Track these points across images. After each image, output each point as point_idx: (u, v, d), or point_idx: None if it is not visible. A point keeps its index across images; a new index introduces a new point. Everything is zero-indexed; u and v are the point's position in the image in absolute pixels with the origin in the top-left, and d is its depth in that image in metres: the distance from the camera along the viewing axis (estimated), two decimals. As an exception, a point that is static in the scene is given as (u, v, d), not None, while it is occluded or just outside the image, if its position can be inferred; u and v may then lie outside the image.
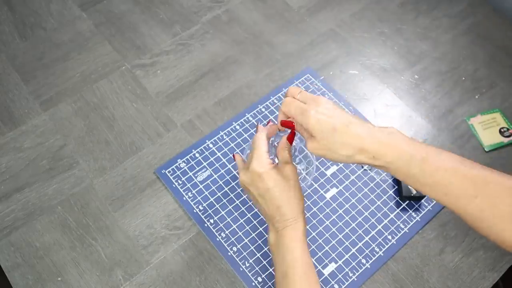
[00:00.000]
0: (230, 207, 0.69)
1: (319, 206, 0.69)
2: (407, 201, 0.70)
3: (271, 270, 0.64)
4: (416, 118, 0.79)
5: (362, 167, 0.73)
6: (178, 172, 0.72)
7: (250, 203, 0.69)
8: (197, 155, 0.73)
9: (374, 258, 0.66)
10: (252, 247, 0.66)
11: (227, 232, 0.67)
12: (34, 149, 0.74)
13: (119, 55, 0.85)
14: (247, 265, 0.65)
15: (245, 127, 0.76)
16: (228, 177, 0.71)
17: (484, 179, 0.46)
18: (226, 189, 0.70)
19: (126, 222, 0.68)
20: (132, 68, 0.83)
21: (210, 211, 0.68)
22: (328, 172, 0.72)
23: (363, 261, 0.65)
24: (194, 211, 0.68)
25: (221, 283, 0.64)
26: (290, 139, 0.56)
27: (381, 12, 0.92)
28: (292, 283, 0.51)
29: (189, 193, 0.70)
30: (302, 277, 0.51)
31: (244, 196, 0.70)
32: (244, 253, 0.65)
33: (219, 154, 0.73)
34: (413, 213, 0.69)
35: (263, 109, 0.78)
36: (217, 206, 0.69)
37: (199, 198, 0.69)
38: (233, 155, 0.68)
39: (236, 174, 0.72)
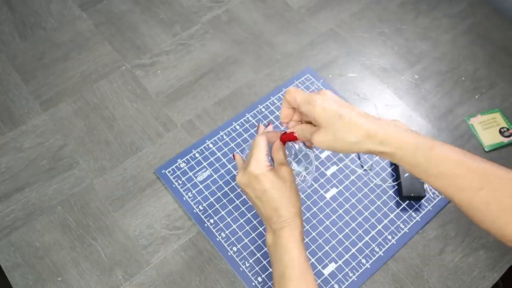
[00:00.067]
0: (230, 207, 0.69)
1: (319, 206, 0.69)
2: (407, 201, 0.70)
3: (271, 270, 0.64)
4: (416, 118, 0.79)
5: (362, 167, 0.73)
6: (178, 172, 0.72)
7: (250, 203, 0.69)
8: (197, 155, 0.73)
9: (374, 258, 0.66)
10: (252, 247, 0.66)
11: (227, 232, 0.67)
12: (34, 149, 0.74)
13: (119, 55, 0.85)
14: (247, 265, 0.65)
15: (245, 127, 0.76)
16: (228, 177, 0.71)
17: (489, 171, 0.46)
18: (226, 189, 0.70)
19: (126, 222, 0.68)
20: (132, 68, 0.83)
21: (210, 211, 0.68)
22: (328, 172, 0.72)
23: (363, 261, 0.65)
24: (194, 211, 0.68)
25: (221, 283, 0.64)
26: (283, 140, 0.56)
27: (381, 12, 0.92)
28: (289, 283, 0.51)
29: (189, 193, 0.70)
30: (299, 278, 0.51)
31: (244, 196, 0.70)
32: (244, 253, 0.65)
33: (219, 154, 0.73)
34: (413, 213, 0.69)
35: (263, 109, 0.78)
36: (217, 206, 0.69)
37: (199, 198, 0.69)
38: (233, 155, 0.68)
39: (236, 174, 0.72)
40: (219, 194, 0.70)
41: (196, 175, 0.71)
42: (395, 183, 0.72)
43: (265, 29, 0.89)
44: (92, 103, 0.79)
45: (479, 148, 0.76)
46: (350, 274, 0.64)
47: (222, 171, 0.72)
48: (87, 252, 0.65)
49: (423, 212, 0.69)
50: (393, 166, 0.73)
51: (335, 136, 0.49)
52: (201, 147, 0.74)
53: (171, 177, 0.71)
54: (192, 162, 0.73)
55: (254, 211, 0.69)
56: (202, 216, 0.68)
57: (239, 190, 0.70)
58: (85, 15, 0.90)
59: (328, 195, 0.70)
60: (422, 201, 0.70)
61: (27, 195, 0.70)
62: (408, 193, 0.68)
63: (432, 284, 0.64)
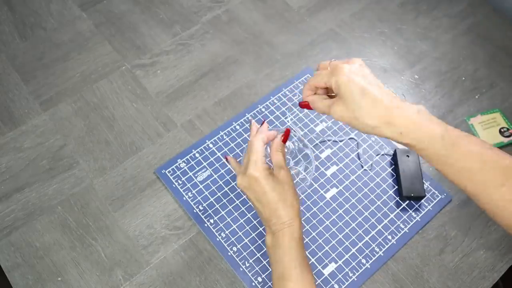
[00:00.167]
0: (230, 207, 0.69)
1: (319, 206, 0.69)
2: (407, 201, 0.70)
3: (271, 270, 0.64)
4: (416, 118, 0.79)
5: (362, 166, 0.73)
6: (178, 172, 0.72)
7: (250, 203, 0.69)
8: (197, 155, 0.73)
9: (374, 258, 0.66)
10: (252, 247, 0.66)
11: (227, 232, 0.67)
12: (34, 149, 0.74)
13: (119, 55, 0.85)
14: (247, 265, 0.65)
15: (245, 127, 0.76)
16: (228, 177, 0.71)
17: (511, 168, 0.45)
18: (226, 189, 0.70)
19: (126, 222, 0.68)
20: (132, 68, 0.83)
21: (210, 211, 0.68)
22: (328, 172, 0.72)
23: (363, 261, 0.65)
24: (194, 211, 0.68)
25: (221, 283, 0.64)
26: (284, 139, 0.56)
27: (381, 12, 0.92)
28: (288, 284, 0.51)
29: (189, 193, 0.70)
30: (298, 278, 0.52)
31: (244, 196, 0.70)
32: (244, 253, 0.65)
33: (219, 154, 0.73)
34: (413, 213, 0.69)
35: (263, 109, 0.78)
36: (217, 206, 0.69)
37: (199, 198, 0.69)
38: (226, 158, 0.67)
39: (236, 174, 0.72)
40: (219, 194, 0.70)
41: (196, 175, 0.71)
42: (395, 183, 0.72)
43: (265, 29, 0.89)
44: (92, 103, 0.79)
45: (479, 148, 0.76)
46: (350, 274, 0.64)
47: (222, 171, 0.72)
48: (87, 252, 0.65)
49: (423, 212, 0.69)
50: (393, 166, 0.73)
51: (355, 114, 0.47)
52: (201, 147, 0.74)
53: (171, 177, 0.71)
54: (192, 162, 0.73)
55: (254, 211, 0.69)
56: (202, 216, 0.68)
57: (239, 190, 0.70)
58: (85, 15, 0.90)
59: (328, 195, 0.70)
60: (422, 201, 0.70)
61: (27, 195, 0.70)
62: (408, 193, 0.68)
63: (432, 284, 0.64)
